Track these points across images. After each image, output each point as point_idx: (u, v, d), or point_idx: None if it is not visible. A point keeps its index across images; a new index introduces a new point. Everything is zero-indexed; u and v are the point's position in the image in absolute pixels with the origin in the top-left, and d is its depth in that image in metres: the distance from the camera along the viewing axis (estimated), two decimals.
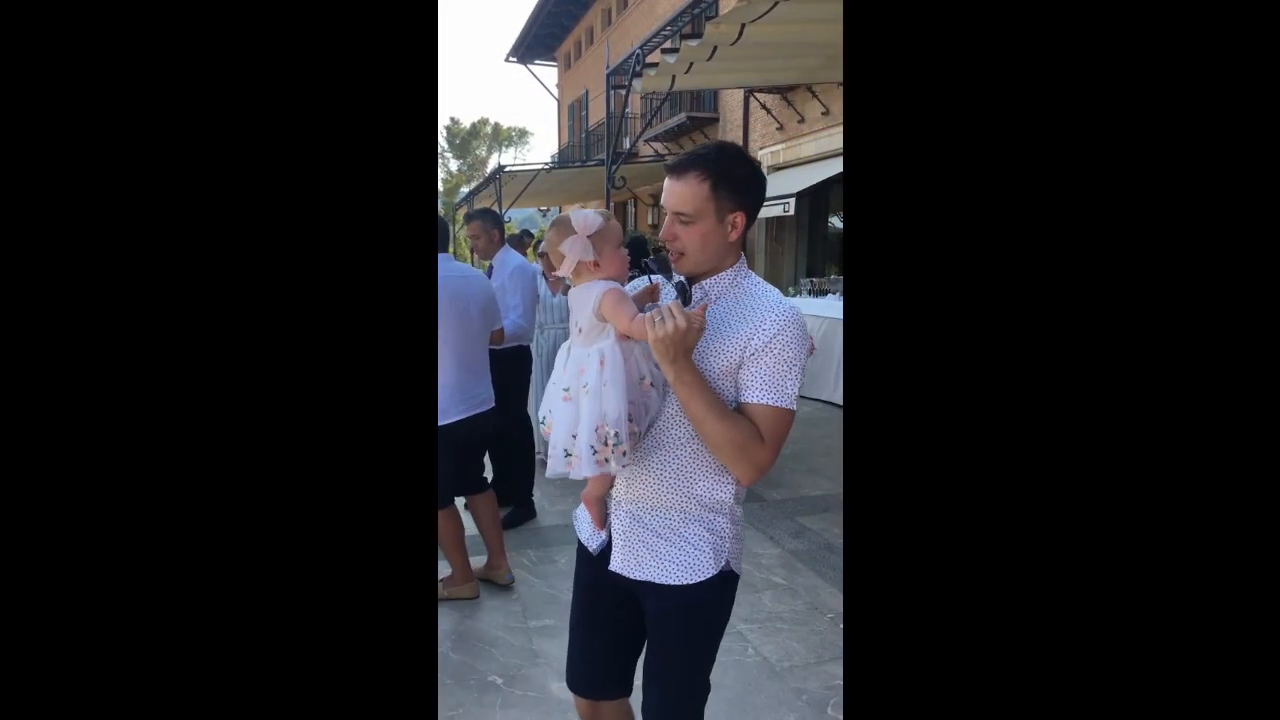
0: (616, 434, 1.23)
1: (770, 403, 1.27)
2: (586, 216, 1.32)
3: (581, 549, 1.50)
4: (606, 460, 1.25)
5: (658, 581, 1.35)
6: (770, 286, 1.37)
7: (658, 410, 1.32)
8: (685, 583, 1.34)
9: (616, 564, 1.40)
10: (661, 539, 1.35)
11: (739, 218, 1.31)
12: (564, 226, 1.32)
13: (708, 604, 1.37)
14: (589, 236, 1.30)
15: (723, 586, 1.38)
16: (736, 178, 1.30)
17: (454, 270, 2.88)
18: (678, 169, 1.30)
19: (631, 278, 1.49)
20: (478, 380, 2.93)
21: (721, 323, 1.31)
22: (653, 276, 1.44)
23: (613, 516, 1.42)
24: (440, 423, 2.74)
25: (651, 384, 1.30)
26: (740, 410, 1.28)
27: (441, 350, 2.75)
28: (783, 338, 1.27)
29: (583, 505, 1.48)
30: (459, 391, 2.83)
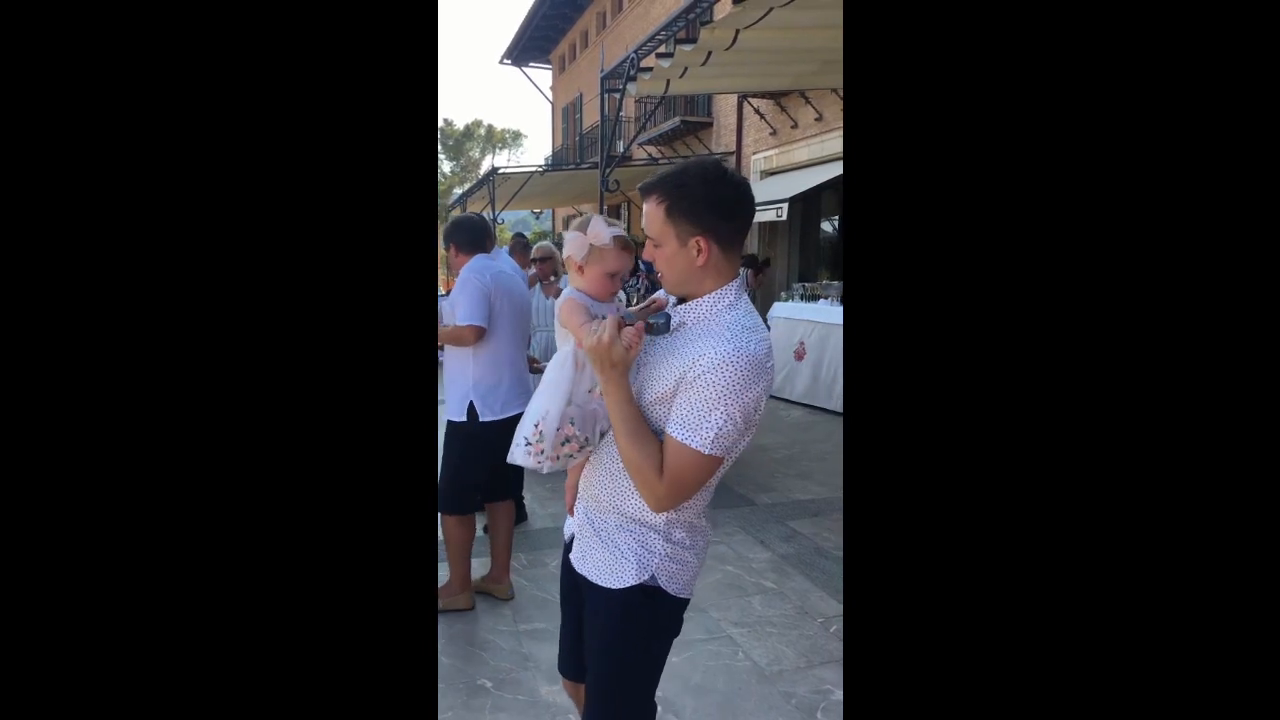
0: (541, 431, 1.31)
1: (678, 438, 1.21)
2: (603, 230, 1.36)
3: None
4: (532, 455, 1.33)
5: (589, 578, 1.40)
6: (747, 322, 1.27)
7: (609, 420, 1.34)
8: (607, 585, 1.36)
9: (572, 555, 1.47)
10: (599, 539, 1.40)
11: (702, 241, 1.25)
12: (584, 223, 1.39)
13: (626, 612, 1.35)
14: (591, 243, 1.36)
15: (645, 600, 1.34)
16: (694, 200, 1.25)
17: (506, 269, 2.89)
18: (643, 191, 1.31)
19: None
20: (528, 374, 2.98)
21: (674, 349, 1.27)
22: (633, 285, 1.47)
23: (576, 508, 1.47)
24: (501, 417, 2.77)
25: (603, 394, 1.31)
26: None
27: (504, 344, 2.79)
28: (714, 376, 1.18)
29: None
30: (517, 385, 2.84)
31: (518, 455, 1.36)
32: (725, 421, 1.20)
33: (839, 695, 2.36)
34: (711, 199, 1.26)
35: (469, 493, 2.80)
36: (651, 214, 1.29)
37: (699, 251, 1.27)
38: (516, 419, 2.75)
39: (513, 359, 2.84)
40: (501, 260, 3.86)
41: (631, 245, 1.40)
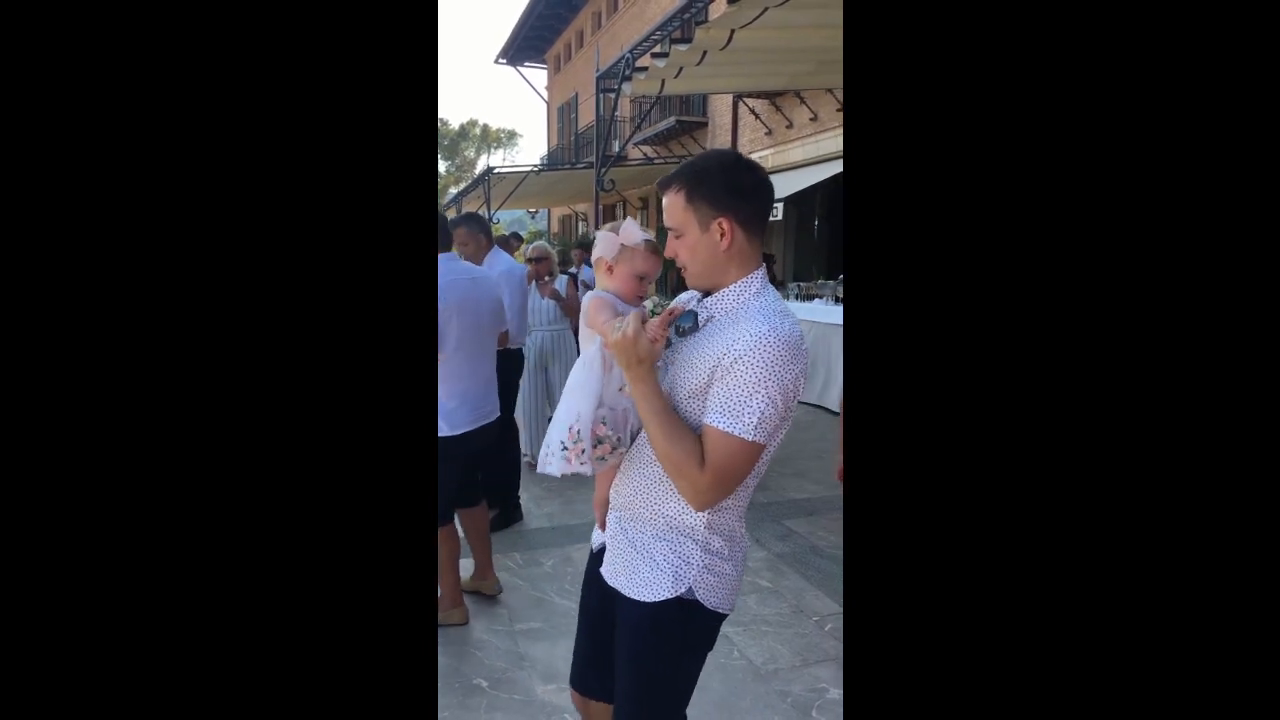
0: (578, 432, 1.29)
1: (720, 427, 1.18)
2: (635, 231, 1.38)
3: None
4: (572, 459, 1.31)
5: (621, 591, 1.36)
6: (777, 307, 1.25)
7: (640, 420, 1.33)
8: (641, 599, 1.32)
9: (604, 567, 1.43)
10: (635, 550, 1.35)
11: (724, 223, 1.25)
12: (616, 225, 1.40)
13: (659, 626, 1.32)
14: (623, 243, 1.36)
15: (681, 614, 1.30)
16: (712, 183, 1.25)
17: (462, 272, 2.70)
18: (663, 184, 1.31)
19: None
20: (488, 389, 2.79)
21: (705, 341, 1.25)
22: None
23: (608, 520, 1.44)
24: (450, 433, 2.62)
25: (631, 391, 1.30)
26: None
27: (454, 357, 2.62)
28: (751, 359, 1.17)
29: None
30: (469, 401, 2.67)
31: (553, 464, 1.33)
32: (767, 405, 1.17)
33: (834, 693, 2.37)
34: (730, 183, 1.26)
35: (442, 504, 2.67)
36: (671, 203, 1.28)
37: (722, 235, 1.25)
38: (466, 435, 2.69)
39: (462, 373, 2.66)
40: (499, 257, 3.84)
41: (661, 252, 1.39)
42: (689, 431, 1.23)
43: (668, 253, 1.34)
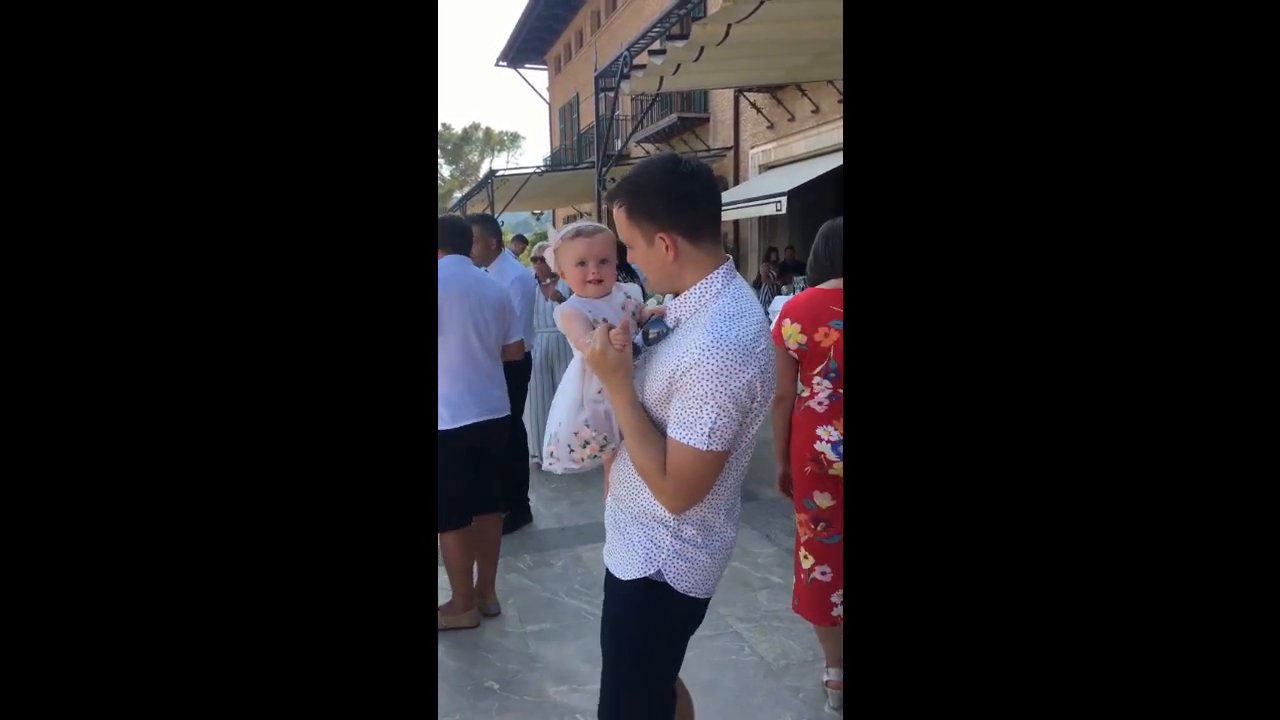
0: (560, 437, 1.39)
1: (677, 438, 1.23)
2: (552, 234, 1.44)
3: None
4: (558, 461, 1.41)
5: (608, 568, 1.46)
6: (730, 309, 1.26)
7: None
8: (619, 576, 1.40)
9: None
10: (617, 531, 1.45)
11: (666, 238, 1.28)
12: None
13: (628, 602, 1.39)
14: (552, 250, 1.43)
15: (647, 592, 1.36)
16: (650, 198, 1.28)
17: (471, 273, 2.77)
18: (608, 198, 1.36)
19: None
20: (491, 383, 2.78)
21: (668, 347, 1.30)
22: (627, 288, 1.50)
23: (607, 502, 1.53)
24: (451, 426, 2.61)
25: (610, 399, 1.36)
26: None
27: (453, 354, 2.62)
28: (698, 370, 1.20)
29: None
30: (470, 392, 2.65)
31: (551, 464, 1.42)
32: (718, 414, 1.21)
33: None
34: (667, 195, 1.28)
35: (454, 505, 2.64)
36: (618, 219, 1.34)
37: (667, 248, 1.30)
38: (471, 428, 2.70)
39: (461, 367, 2.64)
40: (510, 263, 3.84)
41: (594, 231, 1.43)
42: (659, 439, 1.28)
43: (629, 259, 1.38)
